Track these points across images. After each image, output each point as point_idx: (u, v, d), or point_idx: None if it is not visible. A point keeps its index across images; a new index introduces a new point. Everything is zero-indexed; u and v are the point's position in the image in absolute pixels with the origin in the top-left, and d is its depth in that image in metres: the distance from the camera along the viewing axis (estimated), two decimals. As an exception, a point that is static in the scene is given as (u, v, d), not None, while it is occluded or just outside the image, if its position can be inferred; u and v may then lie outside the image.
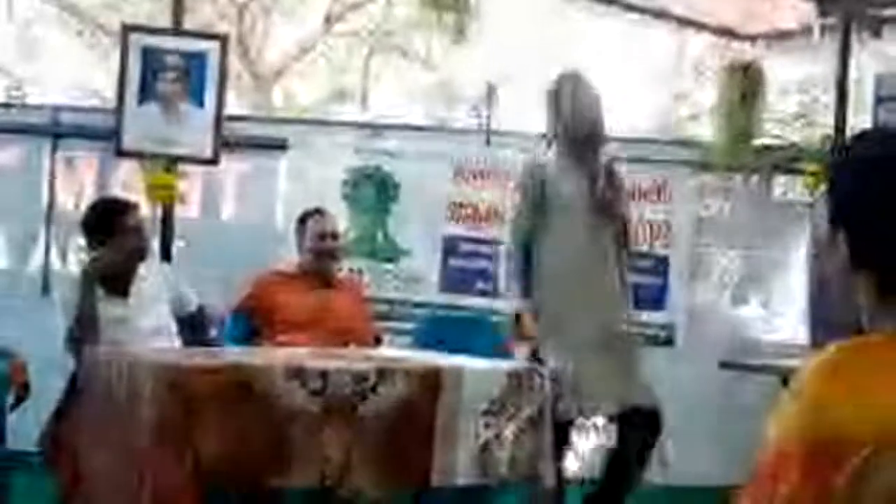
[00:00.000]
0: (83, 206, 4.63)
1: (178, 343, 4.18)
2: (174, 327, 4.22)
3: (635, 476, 3.93)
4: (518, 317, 3.87)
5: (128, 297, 4.11)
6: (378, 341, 4.68)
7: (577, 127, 3.93)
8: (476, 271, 5.58)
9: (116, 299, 4.08)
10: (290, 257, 4.81)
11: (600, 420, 4.85)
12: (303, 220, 4.70)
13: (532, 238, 3.95)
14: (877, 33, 5.71)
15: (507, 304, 3.94)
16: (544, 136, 4.07)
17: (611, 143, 4.07)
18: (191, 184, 5.50)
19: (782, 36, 6.04)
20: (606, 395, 3.91)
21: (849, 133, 5.37)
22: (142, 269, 4.18)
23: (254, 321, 4.57)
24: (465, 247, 5.61)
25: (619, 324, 3.99)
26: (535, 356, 3.90)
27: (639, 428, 3.89)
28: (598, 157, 3.93)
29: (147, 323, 4.10)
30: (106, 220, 4.11)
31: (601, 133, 3.96)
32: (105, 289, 4.04)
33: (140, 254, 4.14)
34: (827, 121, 5.57)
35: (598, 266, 3.93)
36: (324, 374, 3.29)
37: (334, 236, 4.68)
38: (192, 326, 4.31)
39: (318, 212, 4.72)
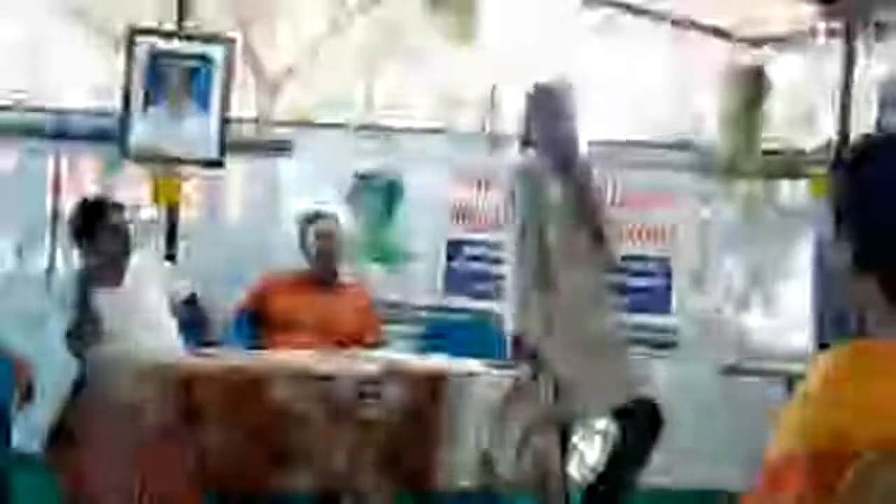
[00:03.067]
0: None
1: (176, 336, 4.20)
2: (172, 321, 4.24)
3: (634, 472, 3.92)
4: (518, 339, 3.84)
5: (121, 290, 4.14)
6: (382, 344, 4.69)
7: (558, 134, 3.96)
8: (479, 274, 5.58)
9: (111, 292, 4.11)
10: (293, 260, 4.81)
11: (603, 423, 4.85)
12: (305, 222, 4.71)
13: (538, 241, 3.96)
14: (881, 37, 5.71)
15: (507, 322, 3.90)
16: (525, 140, 4.08)
17: (589, 147, 4.06)
18: (195, 186, 5.52)
19: (786, 40, 6.04)
20: (600, 395, 3.90)
21: (853, 137, 5.37)
22: (136, 262, 4.21)
23: (257, 323, 4.59)
24: (469, 250, 5.62)
25: (606, 324, 4.00)
26: (534, 360, 3.91)
27: (637, 424, 3.88)
28: (576, 161, 3.96)
29: (143, 314, 4.13)
30: (86, 220, 4.16)
31: (577, 142, 3.99)
32: (99, 284, 4.08)
33: (122, 252, 4.17)
34: (831, 125, 5.57)
35: (583, 268, 3.95)
36: (328, 378, 3.29)
37: (335, 238, 4.69)
38: (193, 325, 4.33)
39: (320, 214, 4.74)
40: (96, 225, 4.14)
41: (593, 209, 3.94)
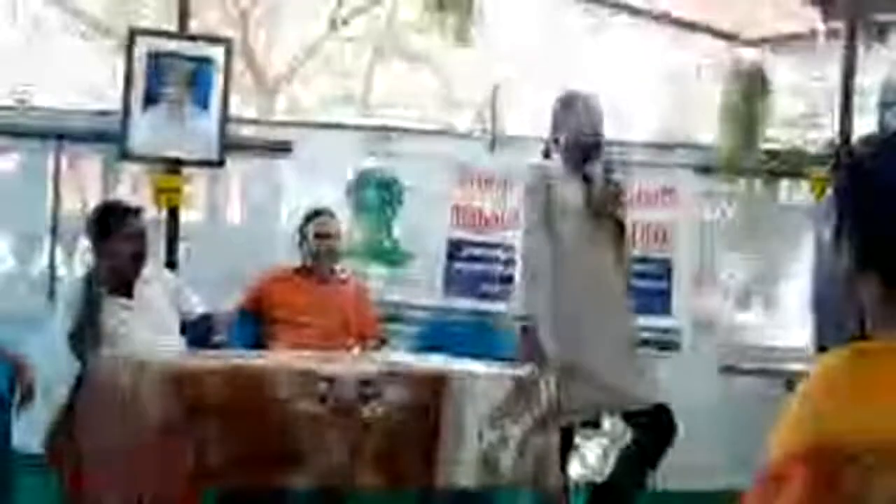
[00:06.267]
0: (88, 210, 4.66)
1: (182, 346, 4.20)
2: (178, 331, 4.25)
3: (644, 476, 3.97)
4: (525, 330, 3.90)
5: (131, 298, 4.15)
6: (383, 343, 4.70)
7: (580, 139, 4.04)
8: (480, 275, 5.58)
9: (119, 300, 4.12)
10: (294, 260, 4.82)
11: (607, 423, 4.86)
12: (306, 220, 4.74)
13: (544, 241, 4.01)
14: (881, 38, 5.71)
15: (513, 314, 3.97)
16: (546, 142, 4.17)
17: (612, 149, 4.16)
18: (196, 187, 5.51)
19: (787, 40, 6.04)
20: (610, 396, 3.94)
21: (854, 137, 5.37)
22: (146, 272, 4.22)
23: (257, 320, 4.60)
24: (470, 250, 5.61)
25: (621, 325, 4.03)
26: (542, 359, 3.93)
27: (649, 427, 3.92)
28: (597, 163, 4.03)
29: (150, 325, 4.13)
30: (106, 225, 4.16)
31: (601, 144, 4.06)
32: (108, 290, 4.08)
33: (138, 258, 4.17)
34: (831, 125, 5.57)
35: (599, 268, 3.99)
36: (330, 378, 3.30)
37: (335, 236, 4.71)
38: (196, 331, 4.33)
39: (319, 213, 4.75)
40: (113, 229, 4.14)
41: (615, 209, 4.00)
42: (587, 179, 4.01)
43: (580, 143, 4.04)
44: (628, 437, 4.09)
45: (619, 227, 4.04)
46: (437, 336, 5.02)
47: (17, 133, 5.60)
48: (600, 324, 3.95)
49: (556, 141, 4.12)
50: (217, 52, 5.12)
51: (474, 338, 4.93)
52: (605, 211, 3.99)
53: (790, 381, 4.34)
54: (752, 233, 5.79)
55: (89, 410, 3.59)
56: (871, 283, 1.22)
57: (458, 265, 5.60)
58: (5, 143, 5.63)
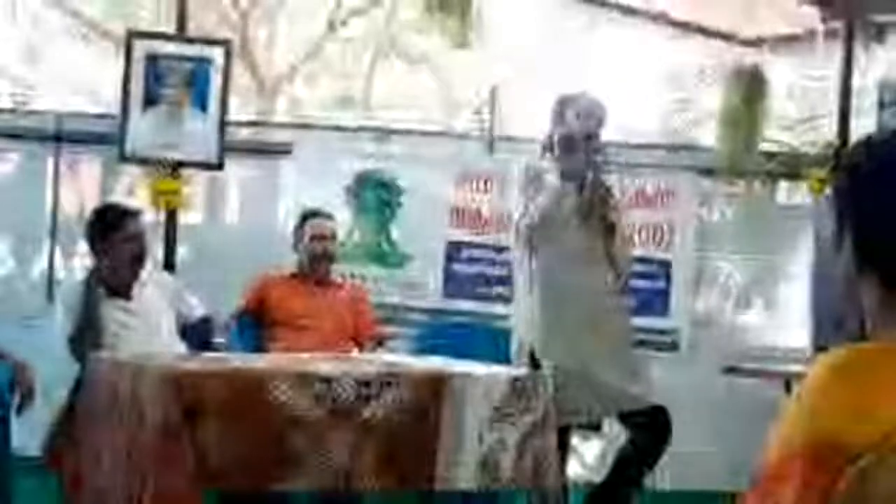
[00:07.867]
0: (87, 212, 4.66)
1: (181, 349, 4.20)
2: (176, 334, 4.25)
3: (641, 476, 3.98)
4: (533, 354, 3.94)
5: (130, 301, 4.15)
6: (380, 345, 4.70)
7: (571, 139, 4.04)
8: (479, 276, 5.58)
9: (118, 303, 4.11)
10: (293, 262, 4.82)
11: (605, 426, 4.87)
12: (302, 221, 4.73)
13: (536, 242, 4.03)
14: (880, 38, 5.71)
15: (517, 334, 4.02)
16: (543, 144, 4.18)
17: (606, 151, 4.16)
18: (195, 189, 5.51)
19: (785, 41, 6.04)
20: (605, 397, 3.95)
21: (852, 138, 5.37)
22: (144, 275, 4.22)
23: (257, 323, 4.61)
24: (468, 252, 5.61)
25: (615, 326, 4.04)
26: (533, 360, 3.95)
27: (645, 428, 3.94)
28: (590, 165, 4.04)
29: (148, 328, 4.13)
30: (105, 227, 4.16)
31: (594, 145, 4.06)
32: (107, 293, 4.08)
33: (139, 261, 4.17)
34: (830, 126, 5.57)
35: (591, 269, 3.99)
36: (328, 380, 3.30)
37: (330, 238, 4.70)
38: (196, 333, 4.33)
39: (316, 214, 4.75)
40: (112, 231, 4.14)
41: (605, 211, 4.01)
42: (578, 180, 4.00)
43: (571, 143, 4.03)
44: (624, 437, 4.09)
45: (610, 228, 4.03)
46: (436, 338, 5.02)
47: (16, 135, 5.60)
48: (594, 325, 3.96)
49: (550, 141, 4.11)
50: (216, 54, 5.12)
51: (473, 339, 4.93)
52: (595, 212, 3.99)
53: (789, 381, 4.35)
54: (752, 233, 5.79)
55: (89, 413, 3.59)
56: (870, 284, 1.22)
57: (456, 267, 5.60)
58: (4, 146, 5.63)
